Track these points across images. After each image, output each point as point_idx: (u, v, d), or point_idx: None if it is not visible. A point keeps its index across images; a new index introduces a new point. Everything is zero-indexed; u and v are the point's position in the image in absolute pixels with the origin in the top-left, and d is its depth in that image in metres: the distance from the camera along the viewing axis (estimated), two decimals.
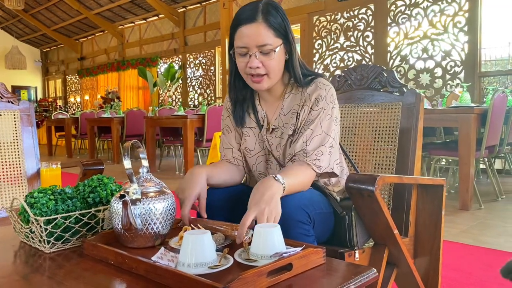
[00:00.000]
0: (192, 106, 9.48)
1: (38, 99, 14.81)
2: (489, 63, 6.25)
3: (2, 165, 1.95)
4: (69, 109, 13.79)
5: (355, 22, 6.26)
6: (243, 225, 1.01)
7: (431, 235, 1.47)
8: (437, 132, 4.99)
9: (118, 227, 1.05)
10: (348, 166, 1.52)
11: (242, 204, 1.32)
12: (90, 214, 1.14)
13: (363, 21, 6.18)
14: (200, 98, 9.36)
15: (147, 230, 1.05)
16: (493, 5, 5.39)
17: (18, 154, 2.06)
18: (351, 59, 6.34)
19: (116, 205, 1.06)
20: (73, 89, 14.19)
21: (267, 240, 0.93)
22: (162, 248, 0.97)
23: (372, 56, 6.10)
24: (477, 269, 2.19)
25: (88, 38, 12.94)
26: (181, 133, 6.01)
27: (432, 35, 5.50)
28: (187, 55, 9.69)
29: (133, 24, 11.14)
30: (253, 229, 0.99)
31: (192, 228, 1.08)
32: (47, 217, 1.07)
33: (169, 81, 9.62)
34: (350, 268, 0.95)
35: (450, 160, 4.02)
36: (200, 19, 9.38)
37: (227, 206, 1.31)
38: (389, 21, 5.89)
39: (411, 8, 5.67)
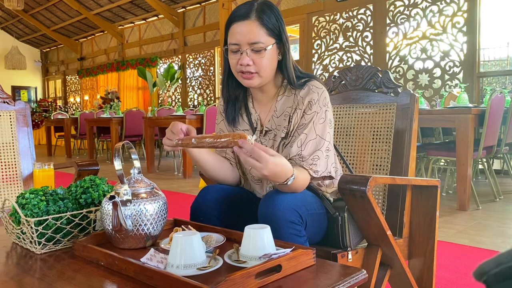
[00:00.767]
0: (191, 106, 9.48)
1: (38, 99, 14.82)
2: (488, 63, 6.24)
3: None
4: (69, 110, 13.79)
5: (354, 22, 6.26)
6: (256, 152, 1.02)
7: (425, 235, 1.47)
8: (435, 133, 4.99)
9: (109, 228, 1.05)
10: (342, 166, 1.51)
11: (235, 206, 1.32)
12: (81, 215, 1.14)
13: (362, 21, 6.17)
14: (200, 99, 9.36)
15: (138, 231, 1.05)
16: (492, 6, 5.39)
17: (14, 155, 2.06)
18: (350, 59, 6.34)
19: (107, 206, 1.06)
20: (73, 90, 14.20)
21: (257, 242, 0.93)
22: (152, 249, 0.97)
23: (371, 57, 6.10)
24: (472, 270, 2.18)
25: (88, 38, 12.95)
26: None
27: (431, 35, 5.49)
28: (187, 55, 9.69)
29: (132, 24, 11.15)
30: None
31: (183, 229, 1.08)
32: (37, 218, 1.07)
33: (168, 81, 9.62)
34: (340, 269, 0.95)
35: (449, 161, 4.01)
36: (200, 19, 9.38)
37: (221, 206, 1.30)
38: (388, 21, 5.89)
39: (410, 9, 5.67)
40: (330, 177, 1.29)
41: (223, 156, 1.40)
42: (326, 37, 6.60)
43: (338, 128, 1.70)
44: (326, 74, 6.55)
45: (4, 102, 2.08)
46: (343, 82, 1.75)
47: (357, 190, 1.16)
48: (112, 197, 1.03)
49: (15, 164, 2.04)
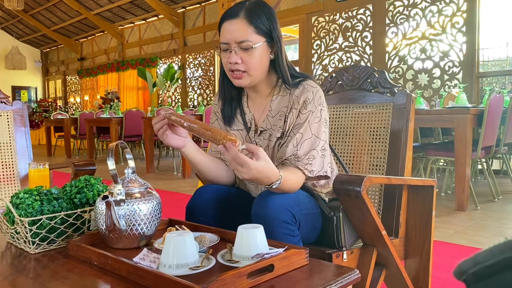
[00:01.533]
0: (191, 106, 9.48)
1: (38, 99, 14.82)
2: (487, 63, 6.24)
3: None
4: (69, 110, 13.79)
5: (353, 22, 6.26)
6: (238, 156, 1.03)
7: (421, 235, 1.47)
8: (435, 133, 4.99)
9: (103, 228, 1.05)
10: (338, 166, 1.51)
11: (231, 206, 1.32)
12: (76, 215, 1.14)
13: (361, 21, 6.17)
14: (200, 99, 9.36)
15: (131, 231, 1.05)
16: (491, 6, 5.38)
17: (11, 155, 2.06)
18: (349, 59, 6.34)
19: (101, 206, 1.05)
20: (73, 90, 14.21)
21: (250, 241, 0.93)
22: (145, 249, 0.97)
23: (371, 57, 6.09)
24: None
25: (88, 38, 12.96)
26: None
27: (430, 35, 5.49)
28: (187, 55, 9.69)
29: (132, 24, 11.15)
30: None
31: (177, 229, 1.08)
32: (31, 218, 1.07)
33: (168, 82, 9.62)
34: (333, 269, 0.95)
35: (447, 161, 4.01)
36: (200, 19, 9.38)
37: (216, 206, 1.30)
38: (387, 21, 5.88)
39: (409, 9, 5.66)
40: (326, 177, 1.29)
41: (217, 157, 1.40)
42: (326, 37, 6.60)
43: (334, 128, 1.69)
44: (326, 74, 6.54)
45: (2, 102, 2.08)
46: (340, 82, 1.75)
47: (352, 190, 1.16)
48: (105, 197, 1.03)
49: (12, 164, 2.04)
